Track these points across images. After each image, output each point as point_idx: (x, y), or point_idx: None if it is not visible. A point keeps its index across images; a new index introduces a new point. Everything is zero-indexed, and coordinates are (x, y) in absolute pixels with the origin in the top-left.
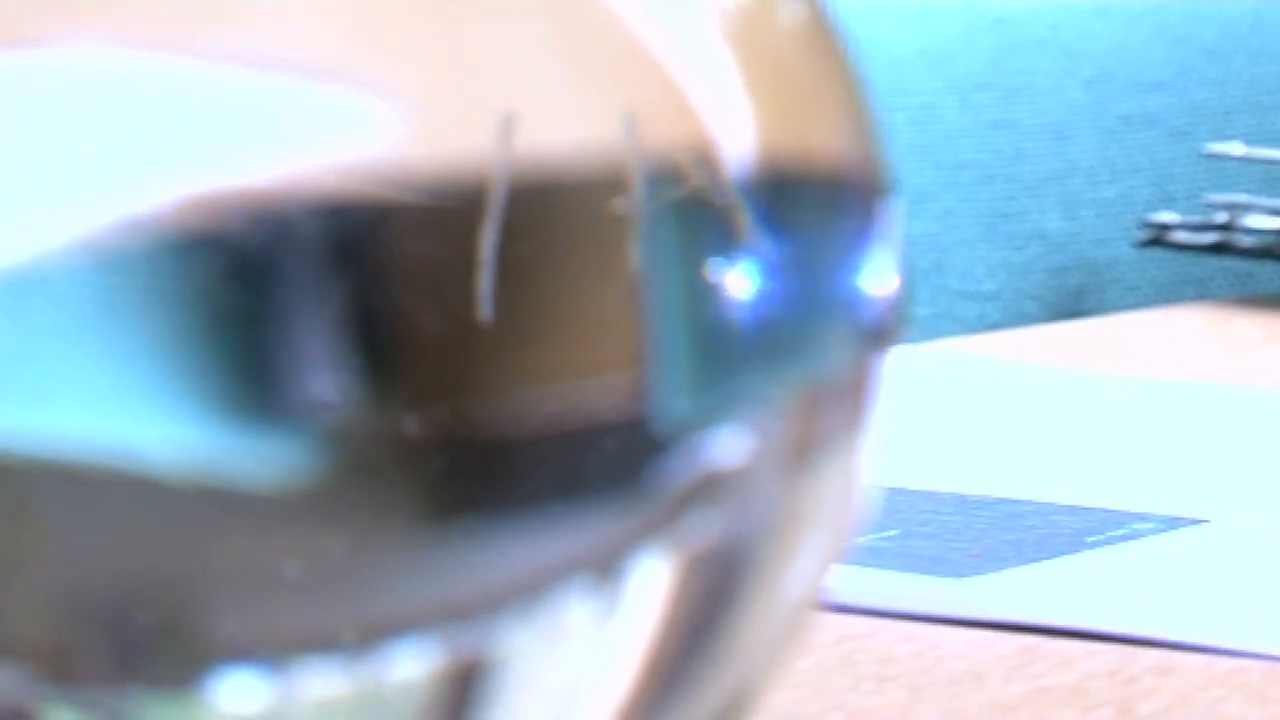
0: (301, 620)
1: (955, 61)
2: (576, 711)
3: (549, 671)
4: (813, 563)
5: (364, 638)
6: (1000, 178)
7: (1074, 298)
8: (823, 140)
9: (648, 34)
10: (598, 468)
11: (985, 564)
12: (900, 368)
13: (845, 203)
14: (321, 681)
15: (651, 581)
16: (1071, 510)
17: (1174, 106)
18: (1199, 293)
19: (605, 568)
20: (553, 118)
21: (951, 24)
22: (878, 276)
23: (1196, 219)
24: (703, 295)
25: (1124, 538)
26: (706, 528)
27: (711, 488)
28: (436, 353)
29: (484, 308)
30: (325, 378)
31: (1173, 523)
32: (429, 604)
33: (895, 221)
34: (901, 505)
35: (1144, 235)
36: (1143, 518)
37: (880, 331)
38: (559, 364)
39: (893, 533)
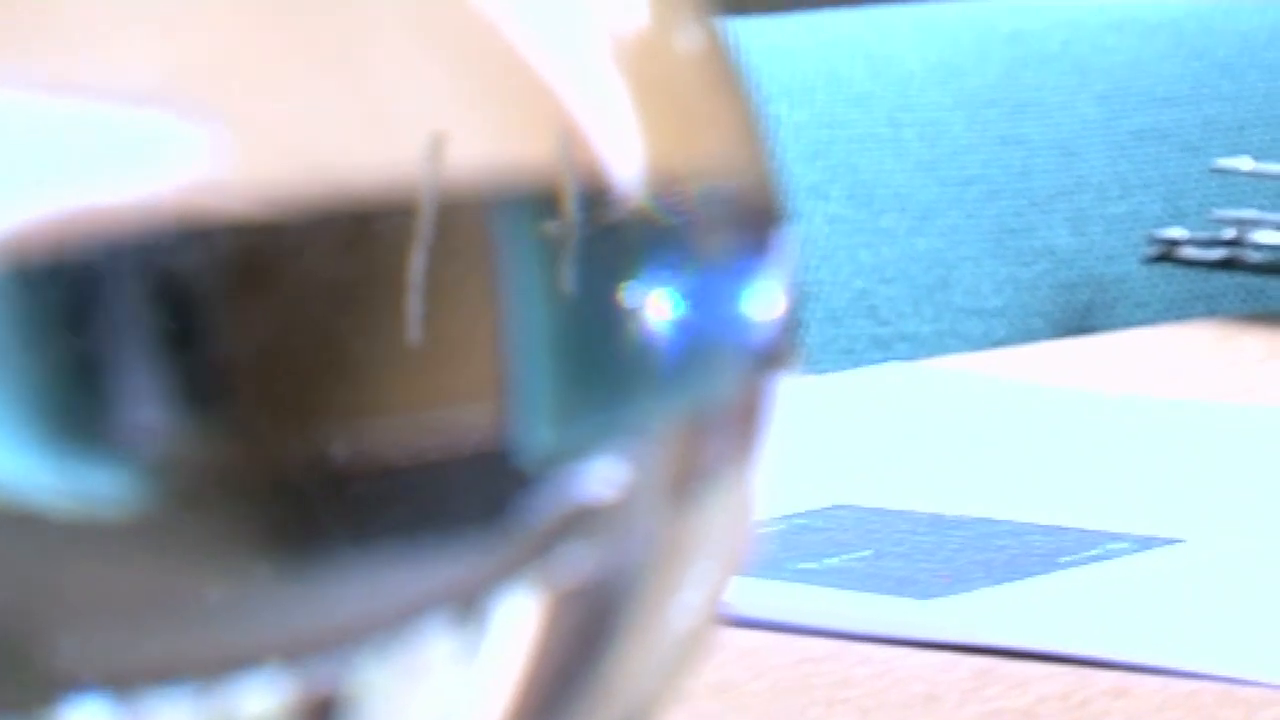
0: (147, 650)
1: (966, 76)
2: None
3: (411, 708)
4: (700, 593)
5: (212, 669)
6: (1008, 193)
7: (1082, 314)
8: (711, 166)
9: (532, 57)
10: (456, 501)
11: (953, 585)
12: (894, 385)
13: (733, 229)
14: (171, 712)
15: (518, 618)
16: (1047, 530)
17: (1187, 121)
18: (1209, 309)
19: (468, 603)
20: (415, 143)
21: (964, 38)
22: (766, 303)
23: (1205, 235)
24: (572, 323)
25: (1097, 558)
26: (578, 563)
27: (583, 521)
28: (278, 381)
29: (333, 334)
30: (154, 406)
31: (1147, 543)
32: (279, 636)
33: (787, 248)
34: (877, 526)
35: (1152, 251)
36: (1118, 538)
37: (769, 358)
38: (412, 393)
39: (865, 553)
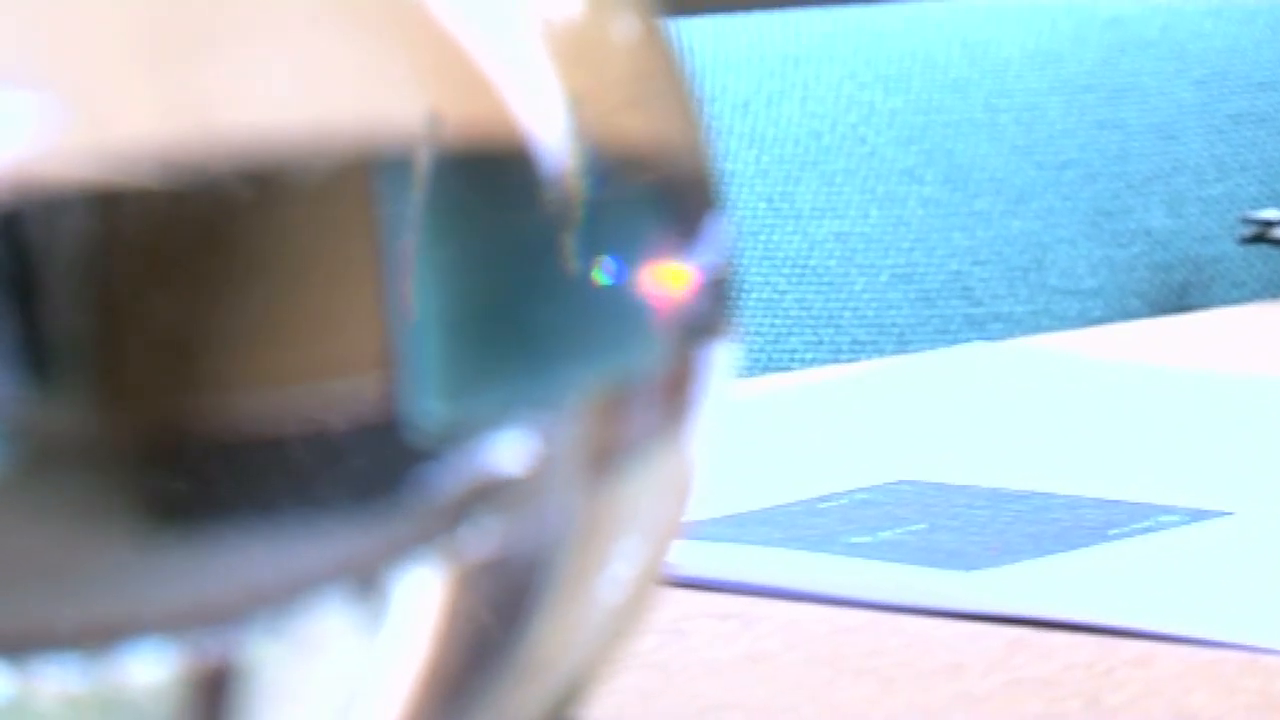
0: (31, 615)
1: (1064, 62)
2: None
3: (309, 681)
4: (628, 566)
5: (97, 636)
6: (1104, 176)
7: (1178, 294)
8: (638, 146)
9: (458, 34)
10: (348, 473)
11: (1000, 556)
12: (975, 364)
13: (657, 207)
14: (60, 678)
15: (422, 592)
16: (1100, 504)
17: None
18: None
19: (367, 578)
20: (291, 110)
21: (1062, 24)
22: (692, 279)
23: None
24: (475, 295)
25: (1146, 530)
26: (485, 537)
27: (490, 495)
28: (148, 351)
29: (207, 303)
30: (12, 374)
31: (1198, 515)
32: (165, 606)
33: (719, 229)
34: (936, 500)
35: (1247, 232)
36: (1170, 510)
37: (697, 332)
38: (298, 363)
39: (919, 527)
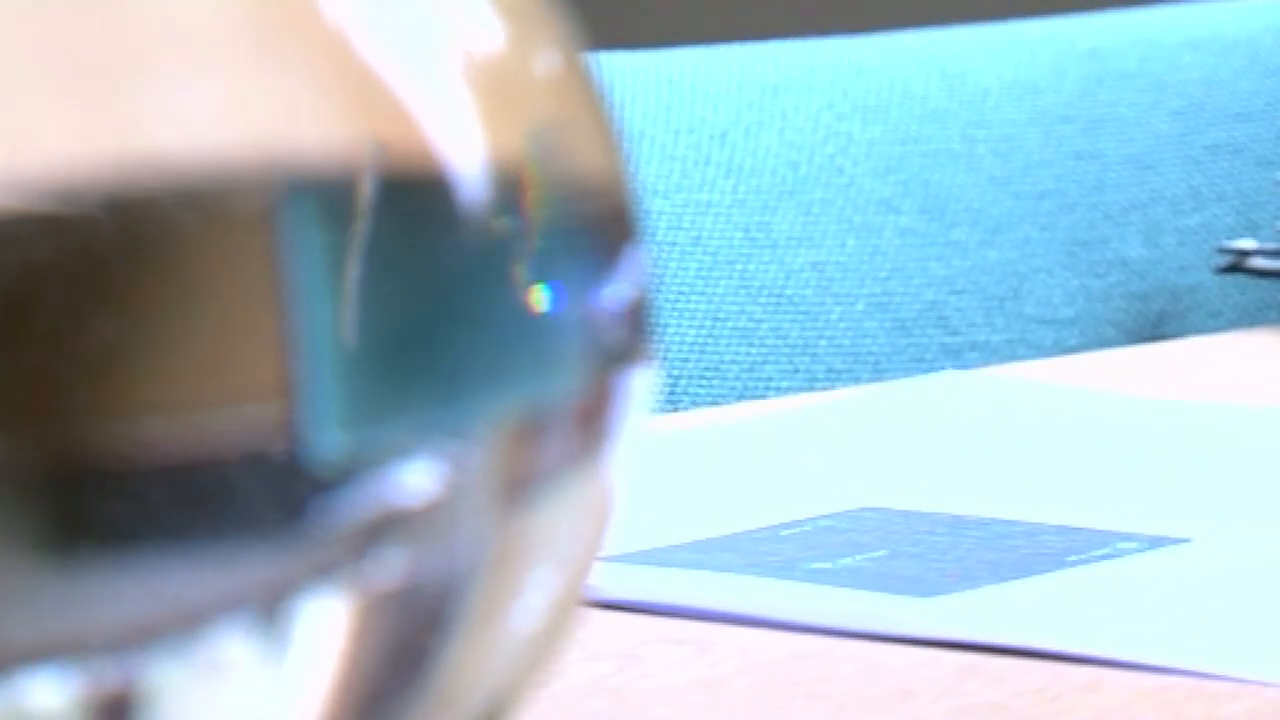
0: None
1: (1042, 93)
2: None
3: (214, 708)
4: (544, 594)
5: None
6: (1081, 206)
7: (1154, 323)
8: (555, 177)
9: (379, 64)
10: (245, 502)
11: (958, 583)
12: (946, 392)
13: (573, 236)
14: None
15: (325, 622)
16: (1061, 530)
17: (1261, 136)
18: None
19: (268, 606)
20: (199, 135)
21: (1042, 56)
22: (608, 308)
23: (1275, 245)
24: (379, 325)
25: (1105, 557)
26: (390, 567)
27: (396, 525)
28: (46, 376)
29: (107, 328)
30: None
31: (1156, 542)
32: (64, 631)
33: (638, 259)
34: (899, 527)
35: (1223, 262)
36: (1128, 537)
37: (613, 361)
38: (196, 391)
39: (880, 553)
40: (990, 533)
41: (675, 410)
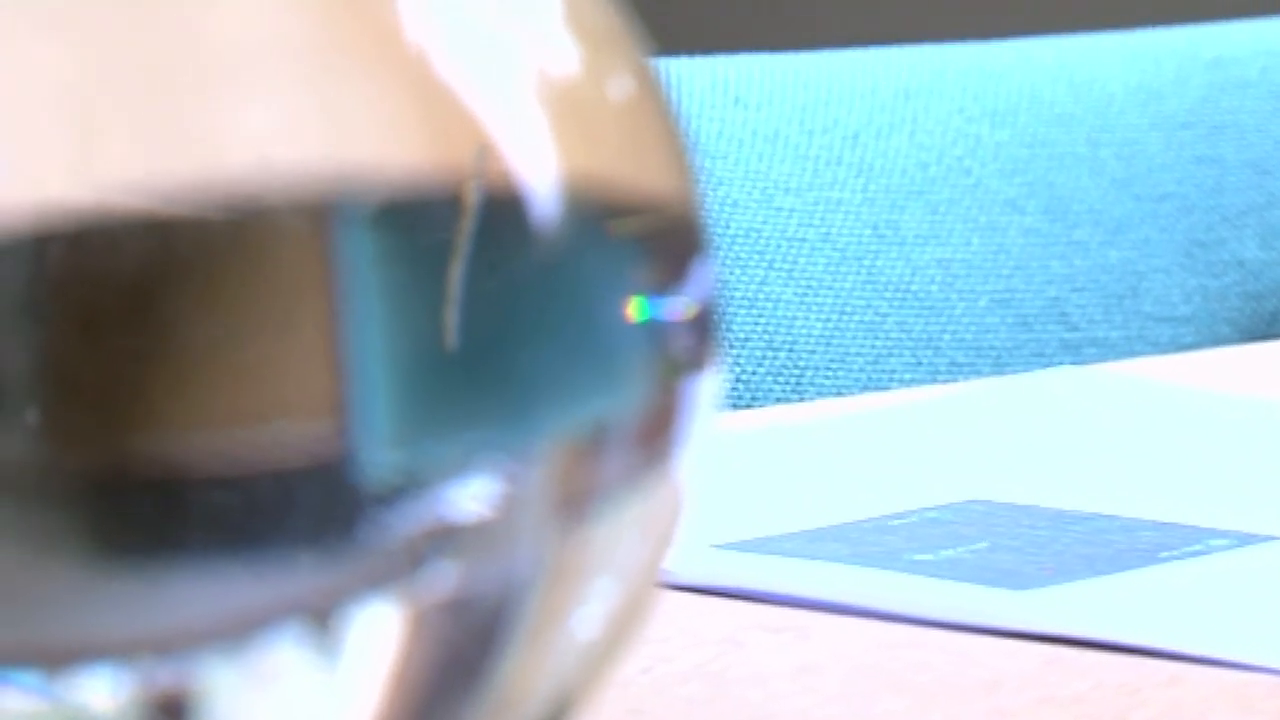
0: None
1: (1165, 100)
2: None
3: (265, 712)
4: (604, 606)
5: (52, 658)
6: (1200, 209)
7: (1268, 322)
8: (621, 193)
9: (450, 81)
10: (294, 513)
11: (1054, 577)
12: (1061, 388)
13: (641, 252)
14: (14, 699)
15: (379, 632)
16: (1158, 526)
17: None
18: None
19: (321, 615)
20: (248, 152)
21: (1167, 64)
22: (673, 323)
23: None
24: (436, 340)
25: (1197, 553)
26: (442, 580)
27: (448, 540)
28: (103, 387)
29: (163, 341)
30: None
31: (1247, 539)
32: (119, 633)
33: (705, 274)
34: (1001, 519)
35: None
36: (1221, 534)
37: (678, 375)
38: (247, 405)
39: (981, 546)
40: (1089, 527)
41: (801, 400)
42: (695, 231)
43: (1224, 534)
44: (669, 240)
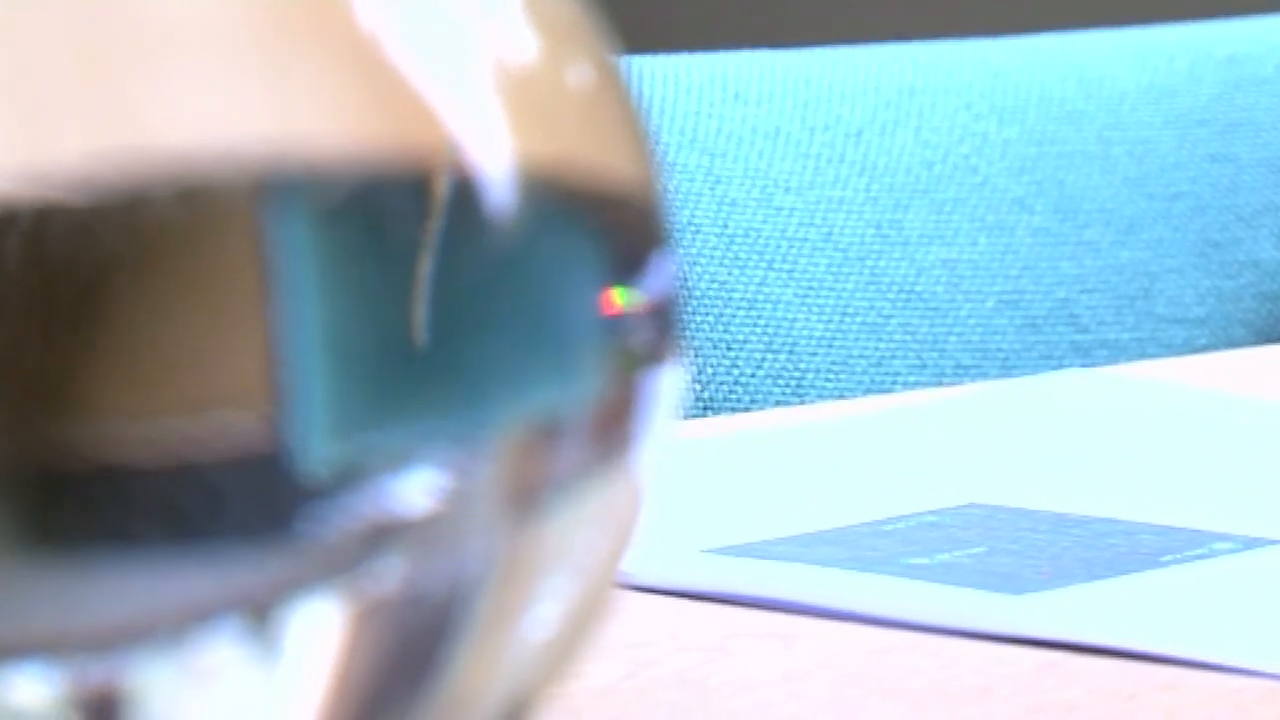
0: None
1: (1178, 97)
2: None
3: (203, 711)
4: (560, 604)
5: None
6: (1214, 208)
7: None
8: (578, 182)
9: (400, 64)
10: (228, 506)
11: (1051, 580)
12: (1066, 390)
13: (599, 240)
14: None
15: (319, 628)
16: (1160, 530)
17: None
18: None
19: (259, 612)
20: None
21: (1180, 61)
22: (629, 314)
23: None
24: (387, 328)
25: (1200, 557)
26: (386, 575)
27: (393, 534)
28: (28, 377)
29: (92, 329)
30: None
31: (1252, 543)
32: (47, 629)
33: (665, 265)
34: (999, 523)
35: None
36: (1225, 538)
37: (635, 368)
38: (179, 394)
39: (979, 549)
40: (1090, 531)
41: (802, 403)
42: (655, 223)
43: (1229, 538)
44: (628, 231)
